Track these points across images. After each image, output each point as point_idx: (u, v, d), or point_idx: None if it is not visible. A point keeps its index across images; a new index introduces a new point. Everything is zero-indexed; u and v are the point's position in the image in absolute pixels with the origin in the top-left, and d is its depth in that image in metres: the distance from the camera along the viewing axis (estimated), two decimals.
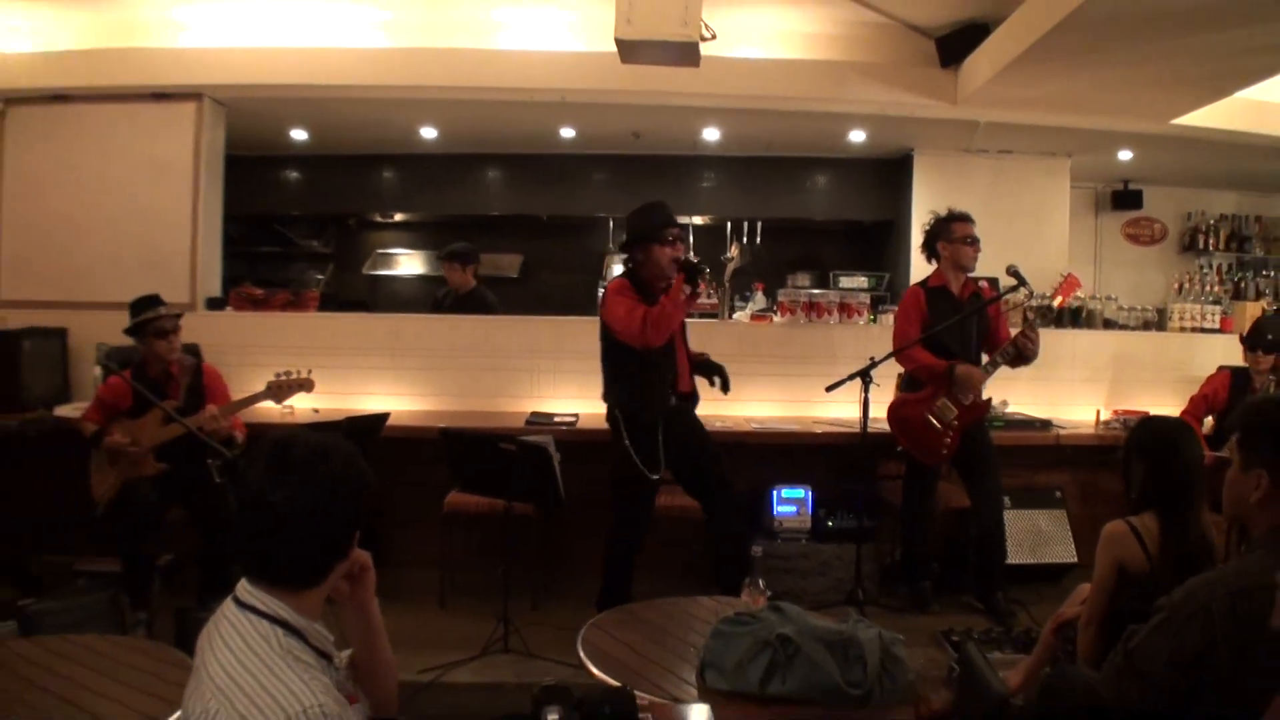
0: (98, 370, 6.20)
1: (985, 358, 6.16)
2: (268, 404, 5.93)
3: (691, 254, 5.61)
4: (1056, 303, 6.25)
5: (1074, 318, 7.97)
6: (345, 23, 7.65)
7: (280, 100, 8.12)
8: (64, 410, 6.73)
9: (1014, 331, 6.16)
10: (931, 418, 6.01)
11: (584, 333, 7.00)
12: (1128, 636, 2.85)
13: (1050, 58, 6.21)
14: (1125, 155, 9.25)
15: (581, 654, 3.67)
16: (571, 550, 6.69)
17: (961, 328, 6.09)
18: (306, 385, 5.95)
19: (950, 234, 6.18)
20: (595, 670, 3.50)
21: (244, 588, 2.17)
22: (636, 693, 2.78)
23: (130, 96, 7.74)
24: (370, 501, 2.23)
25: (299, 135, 9.62)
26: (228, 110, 8.14)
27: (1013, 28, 6.40)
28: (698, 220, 10.49)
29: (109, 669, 3.40)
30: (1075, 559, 6.71)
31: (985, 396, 6.13)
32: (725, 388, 5.78)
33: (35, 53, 7.71)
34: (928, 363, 6.02)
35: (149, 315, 5.76)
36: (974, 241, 6.17)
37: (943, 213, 6.31)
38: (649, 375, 5.61)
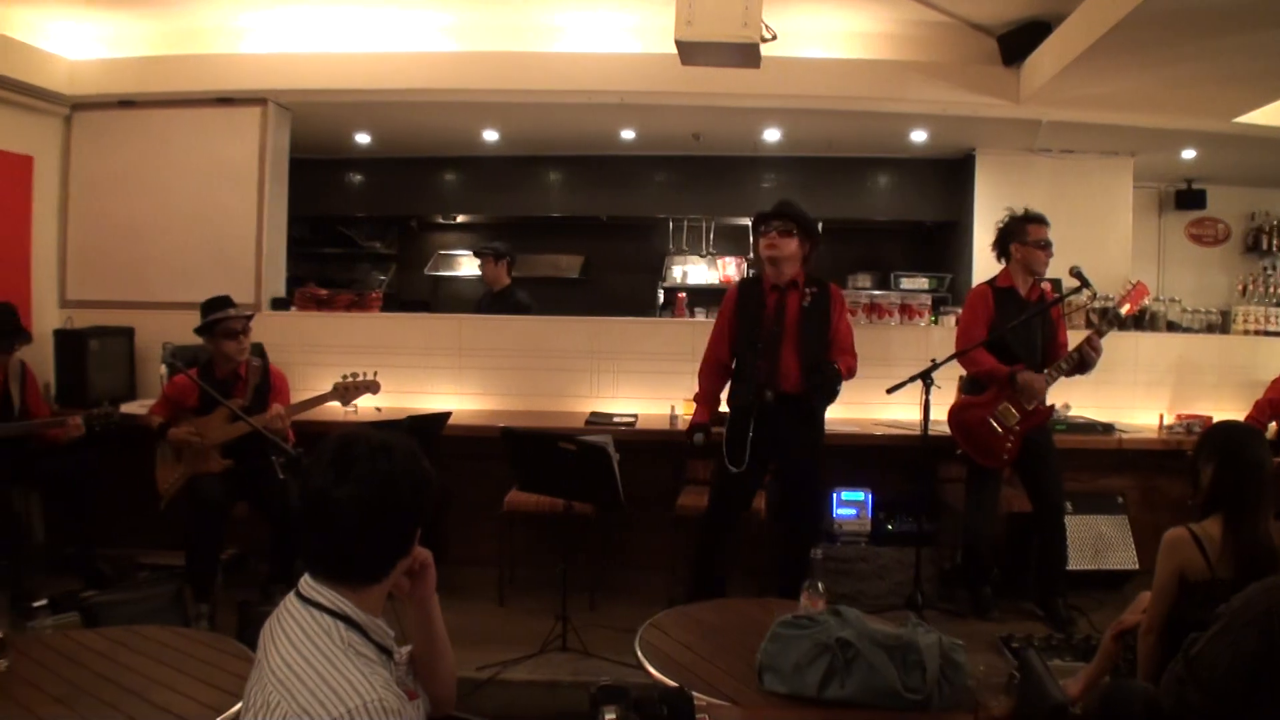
0: (164, 369, 6.31)
1: (1046, 369, 6.05)
2: (332, 404, 6.00)
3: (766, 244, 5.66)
4: (1125, 310, 6.12)
5: (1137, 320, 7.86)
6: (407, 27, 7.70)
7: (344, 104, 8.20)
8: (130, 408, 6.85)
9: (1074, 335, 6.09)
10: (993, 421, 5.94)
11: (644, 333, 7.03)
12: (1189, 644, 2.83)
13: (1112, 55, 6.13)
14: (1188, 154, 9.10)
15: (639, 654, 3.67)
16: (630, 550, 6.72)
17: (1027, 331, 5.99)
18: (372, 387, 6.03)
19: (1024, 235, 6.07)
20: (653, 670, 3.50)
21: (306, 582, 2.21)
22: (693, 694, 2.79)
23: (196, 101, 7.87)
24: (432, 499, 2.26)
25: (362, 138, 9.73)
26: (292, 114, 8.24)
27: (1074, 25, 6.33)
28: None
29: (172, 660, 3.46)
30: (1137, 565, 6.59)
31: (1049, 403, 6.07)
32: (813, 398, 5.66)
33: (103, 59, 7.85)
34: (989, 367, 5.95)
35: (219, 316, 5.87)
36: (1047, 245, 6.06)
37: (1018, 211, 6.21)
38: (739, 372, 5.77)
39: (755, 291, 5.81)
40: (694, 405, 5.96)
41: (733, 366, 5.85)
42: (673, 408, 6.95)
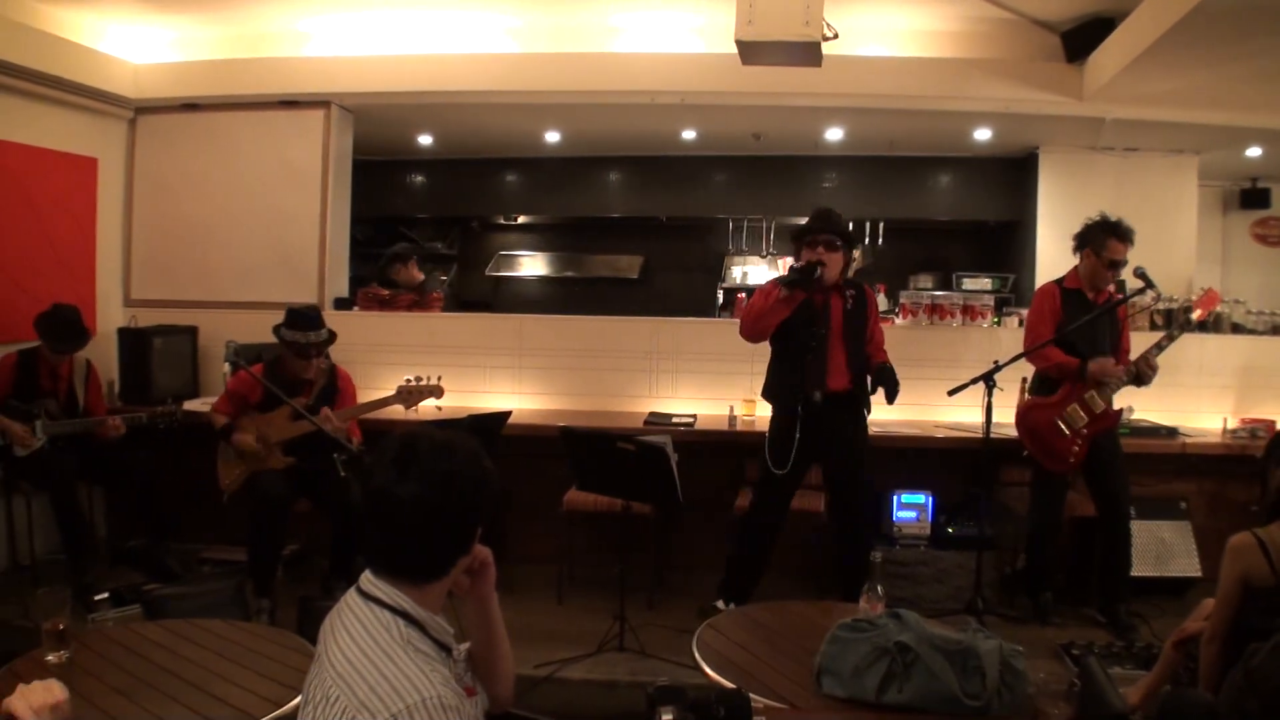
0: (227, 367, 6.39)
1: None
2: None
3: (814, 258, 5.57)
4: (1195, 316, 6.01)
5: (1201, 323, 7.71)
6: (468, 30, 7.75)
7: (406, 106, 8.28)
8: (193, 405, 6.96)
9: (1137, 336, 6.00)
10: (1060, 424, 5.86)
11: (703, 334, 7.02)
12: (1249, 654, 2.78)
13: (1177, 51, 6.03)
14: (1253, 152, 8.96)
15: (696, 654, 3.66)
16: (688, 550, 6.71)
17: (1093, 331, 5.90)
18: (436, 392, 6.06)
19: (1101, 247, 5.91)
20: (710, 671, 3.49)
21: (367, 579, 2.23)
22: (751, 695, 2.78)
23: (260, 104, 7.96)
24: (493, 499, 2.27)
25: (424, 140, 9.81)
26: (355, 116, 8.31)
27: (1138, 21, 6.24)
28: None
29: (232, 653, 3.50)
30: (1199, 573, 6.45)
31: (1116, 407, 5.98)
32: (889, 399, 5.66)
33: (167, 63, 7.98)
34: (1060, 360, 5.87)
35: (296, 338, 5.90)
36: (1115, 266, 5.92)
37: (1111, 217, 5.99)
38: (784, 370, 5.74)
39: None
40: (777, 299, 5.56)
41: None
42: (731, 408, 6.93)
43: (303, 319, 5.96)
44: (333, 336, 6.11)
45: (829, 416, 5.63)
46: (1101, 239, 5.94)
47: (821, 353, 5.64)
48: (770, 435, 5.74)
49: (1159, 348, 5.80)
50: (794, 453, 5.59)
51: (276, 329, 5.97)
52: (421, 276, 8.37)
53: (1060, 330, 5.89)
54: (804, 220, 5.95)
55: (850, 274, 8.20)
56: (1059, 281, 6.15)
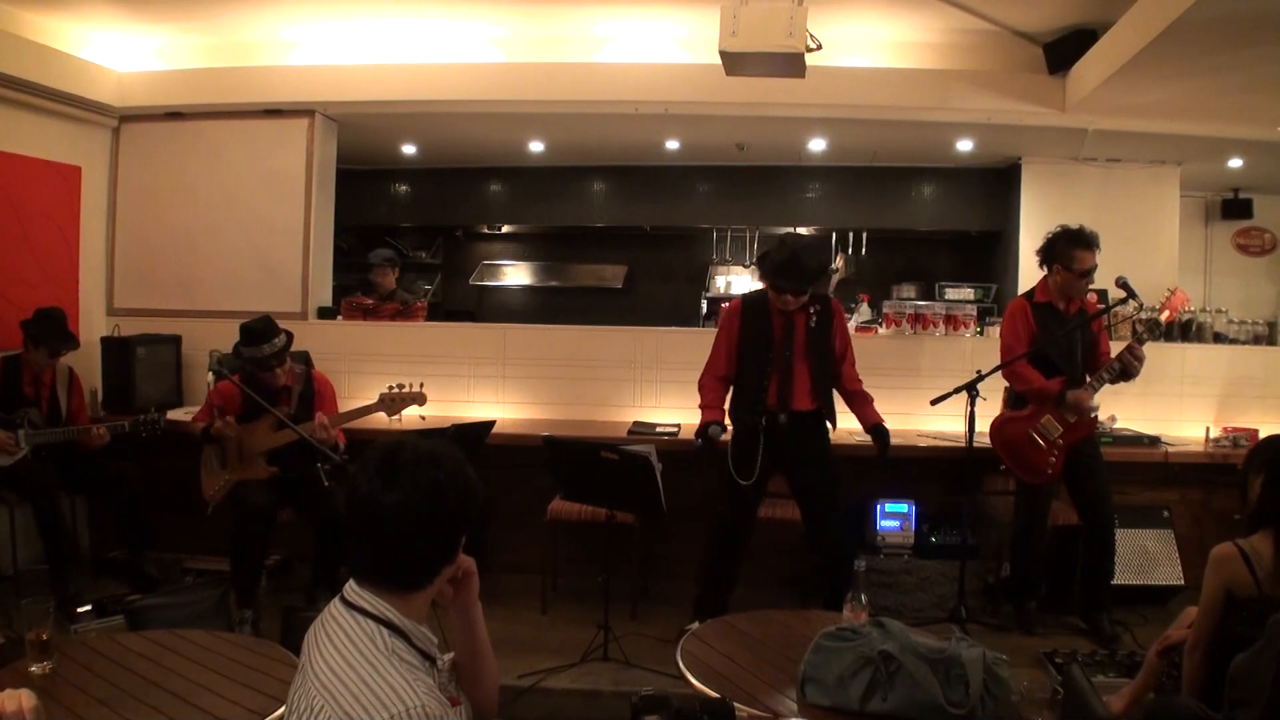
0: (210, 376, 6.37)
1: (1088, 377, 5.94)
2: (378, 413, 6.03)
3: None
4: (1164, 317, 6.02)
5: (1183, 331, 7.74)
6: (453, 40, 7.77)
7: (390, 116, 8.27)
8: (176, 415, 6.92)
9: (1118, 346, 6.01)
10: (1035, 435, 5.87)
11: (687, 343, 7.03)
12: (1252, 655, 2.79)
13: (1159, 63, 6.05)
14: (1235, 163, 8.98)
15: (680, 664, 3.66)
16: (672, 560, 6.70)
17: (1068, 343, 5.92)
18: (419, 399, 6.05)
19: (1069, 261, 5.87)
20: (694, 681, 3.49)
21: (351, 588, 2.23)
22: (735, 704, 2.78)
23: (244, 113, 7.95)
24: (478, 508, 2.27)
25: (408, 149, 9.82)
26: (339, 125, 8.30)
27: (1121, 33, 6.27)
28: (802, 231, 10.43)
29: (215, 664, 3.49)
30: (1182, 581, 6.46)
31: (1093, 414, 5.99)
32: (882, 458, 5.90)
33: (151, 72, 7.96)
34: (1039, 385, 5.84)
35: (253, 354, 5.84)
36: (1088, 274, 5.89)
37: (1072, 226, 5.98)
38: (744, 389, 5.79)
39: (761, 311, 5.80)
40: (702, 411, 5.90)
41: (730, 380, 5.91)
42: None
43: (253, 334, 5.88)
44: (289, 340, 6.02)
45: (792, 433, 5.69)
46: (1068, 251, 5.91)
47: (786, 374, 5.69)
48: (733, 448, 5.75)
49: (1139, 341, 5.81)
50: (759, 464, 5.63)
51: (235, 349, 5.93)
52: (394, 286, 8.38)
53: (1035, 344, 5.90)
54: (784, 230, 5.96)
55: (832, 284, 8.26)
56: (1029, 296, 6.13)
